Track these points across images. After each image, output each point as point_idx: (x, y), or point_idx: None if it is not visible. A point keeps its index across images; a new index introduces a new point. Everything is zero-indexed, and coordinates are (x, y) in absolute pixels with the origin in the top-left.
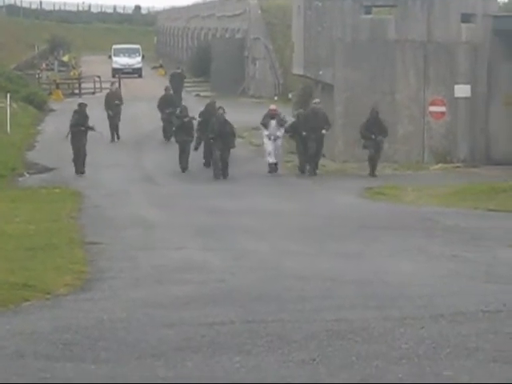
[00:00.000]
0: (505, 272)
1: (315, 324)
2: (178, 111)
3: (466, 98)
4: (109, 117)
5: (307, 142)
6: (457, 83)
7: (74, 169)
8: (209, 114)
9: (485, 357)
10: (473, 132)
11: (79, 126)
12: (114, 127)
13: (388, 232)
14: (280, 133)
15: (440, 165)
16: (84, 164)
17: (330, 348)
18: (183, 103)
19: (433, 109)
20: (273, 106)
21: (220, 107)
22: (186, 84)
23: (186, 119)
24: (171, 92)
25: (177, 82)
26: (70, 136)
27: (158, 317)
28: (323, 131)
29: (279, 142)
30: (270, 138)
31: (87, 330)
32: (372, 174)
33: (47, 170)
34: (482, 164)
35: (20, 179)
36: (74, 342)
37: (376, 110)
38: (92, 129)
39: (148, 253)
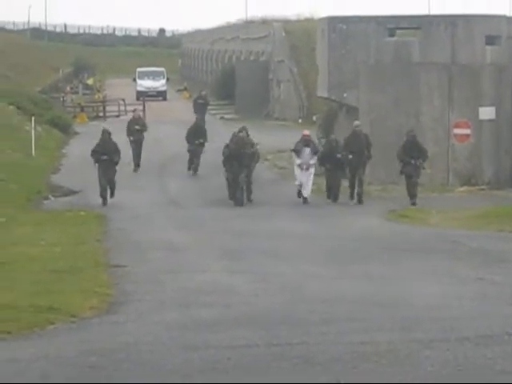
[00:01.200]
0: None
1: (340, 346)
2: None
3: (490, 120)
4: (131, 143)
5: (348, 167)
6: (481, 105)
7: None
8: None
9: (510, 379)
10: (497, 154)
11: (100, 154)
12: (136, 155)
13: (412, 254)
14: (313, 161)
15: (465, 187)
16: (112, 196)
17: (355, 370)
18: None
19: (457, 131)
20: (306, 132)
21: (243, 129)
22: (210, 107)
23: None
24: (200, 122)
25: (200, 108)
26: (95, 165)
27: (183, 339)
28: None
29: (312, 171)
30: (302, 168)
31: (113, 353)
32: (413, 201)
33: (72, 192)
34: (506, 186)
35: (45, 202)
36: (100, 365)
37: (413, 134)
38: (115, 161)
39: (173, 276)
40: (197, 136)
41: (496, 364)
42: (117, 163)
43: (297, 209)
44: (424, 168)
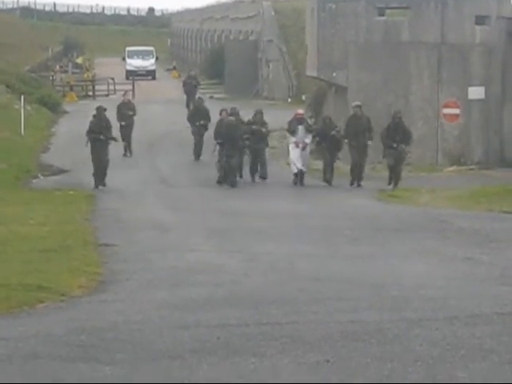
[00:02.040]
0: None
1: (329, 326)
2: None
3: (479, 100)
4: (121, 128)
5: (350, 151)
6: (471, 85)
7: (92, 179)
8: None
9: (499, 359)
10: (487, 134)
11: (96, 133)
12: (127, 141)
13: (402, 234)
14: (308, 139)
15: (454, 167)
16: (105, 176)
17: (344, 350)
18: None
19: (447, 111)
20: (300, 111)
21: (224, 110)
22: (199, 86)
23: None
24: (203, 103)
25: (190, 89)
26: (89, 145)
27: (172, 319)
28: (369, 142)
29: (308, 149)
30: (297, 146)
31: (102, 332)
32: (393, 185)
33: (61, 172)
34: (495, 166)
35: (34, 181)
36: (89, 344)
37: (399, 115)
38: (112, 139)
39: (162, 255)
40: (197, 117)
41: (485, 343)
42: (113, 139)
43: (287, 188)
44: (408, 153)
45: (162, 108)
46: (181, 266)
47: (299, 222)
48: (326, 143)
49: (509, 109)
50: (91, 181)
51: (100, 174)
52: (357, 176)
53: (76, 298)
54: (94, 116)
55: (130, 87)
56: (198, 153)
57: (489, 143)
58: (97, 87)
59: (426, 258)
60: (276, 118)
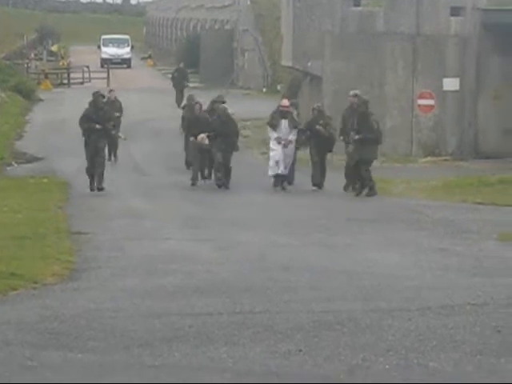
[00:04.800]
0: (492, 265)
1: (302, 315)
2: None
3: (454, 92)
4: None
5: (345, 148)
6: (445, 76)
7: (85, 179)
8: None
9: (471, 349)
10: (461, 125)
11: (91, 122)
12: (112, 144)
13: (375, 224)
14: (293, 136)
15: (428, 158)
16: (102, 177)
17: (316, 339)
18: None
19: (421, 102)
20: (285, 102)
21: (220, 99)
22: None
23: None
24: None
25: (178, 82)
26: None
27: (145, 307)
28: (356, 137)
29: (291, 148)
30: (279, 143)
31: (74, 320)
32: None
33: (35, 159)
34: (470, 157)
35: (8, 168)
36: (61, 332)
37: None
38: (110, 130)
39: (135, 243)
40: (196, 129)
41: (457, 334)
42: (112, 133)
43: (260, 179)
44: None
45: (136, 96)
46: (154, 254)
47: (272, 212)
48: (313, 140)
49: (483, 100)
50: (85, 181)
51: (95, 174)
52: (353, 181)
53: (49, 285)
54: (90, 103)
55: (105, 75)
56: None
57: (463, 134)
58: (72, 75)
59: (399, 249)
60: (250, 107)
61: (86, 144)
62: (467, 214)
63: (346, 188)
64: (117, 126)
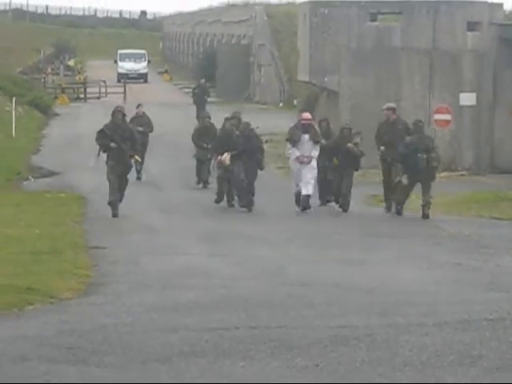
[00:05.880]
0: (509, 280)
1: (319, 330)
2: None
3: (471, 106)
4: None
5: (381, 166)
6: (462, 91)
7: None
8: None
9: (488, 365)
10: (478, 140)
11: (106, 139)
12: (139, 162)
13: (392, 239)
14: (316, 152)
15: (445, 173)
16: (122, 198)
17: (333, 354)
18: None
19: (438, 117)
20: (306, 115)
21: (236, 115)
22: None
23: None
24: (210, 121)
25: (199, 98)
26: (99, 157)
27: (161, 321)
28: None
29: (314, 164)
30: (301, 162)
31: (91, 334)
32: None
33: (52, 174)
34: (486, 172)
35: (25, 183)
36: (78, 346)
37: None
38: (125, 151)
39: (152, 258)
40: (204, 138)
41: (474, 349)
42: (132, 156)
43: (277, 193)
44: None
45: (153, 111)
46: (170, 269)
47: (288, 227)
48: (340, 159)
49: (500, 115)
50: (101, 196)
51: (116, 200)
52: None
53: (65, 300)
54: (111, 120)
55: (122, 90)
56: (202, 179)
57: (480, 149)
58: (88, 90)
59: (415, 264)
60: (266, 122)
61: (109, 161)
62: (484, 229)
63: (388, 209)
64: (144, 143)
